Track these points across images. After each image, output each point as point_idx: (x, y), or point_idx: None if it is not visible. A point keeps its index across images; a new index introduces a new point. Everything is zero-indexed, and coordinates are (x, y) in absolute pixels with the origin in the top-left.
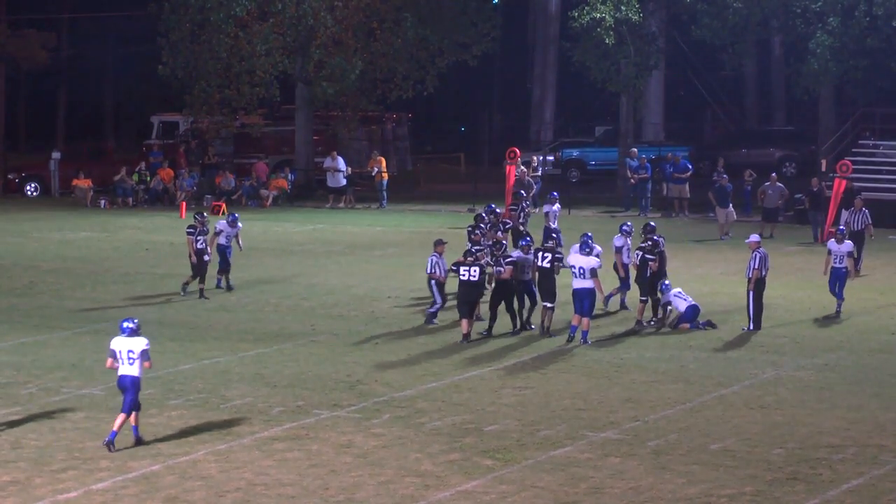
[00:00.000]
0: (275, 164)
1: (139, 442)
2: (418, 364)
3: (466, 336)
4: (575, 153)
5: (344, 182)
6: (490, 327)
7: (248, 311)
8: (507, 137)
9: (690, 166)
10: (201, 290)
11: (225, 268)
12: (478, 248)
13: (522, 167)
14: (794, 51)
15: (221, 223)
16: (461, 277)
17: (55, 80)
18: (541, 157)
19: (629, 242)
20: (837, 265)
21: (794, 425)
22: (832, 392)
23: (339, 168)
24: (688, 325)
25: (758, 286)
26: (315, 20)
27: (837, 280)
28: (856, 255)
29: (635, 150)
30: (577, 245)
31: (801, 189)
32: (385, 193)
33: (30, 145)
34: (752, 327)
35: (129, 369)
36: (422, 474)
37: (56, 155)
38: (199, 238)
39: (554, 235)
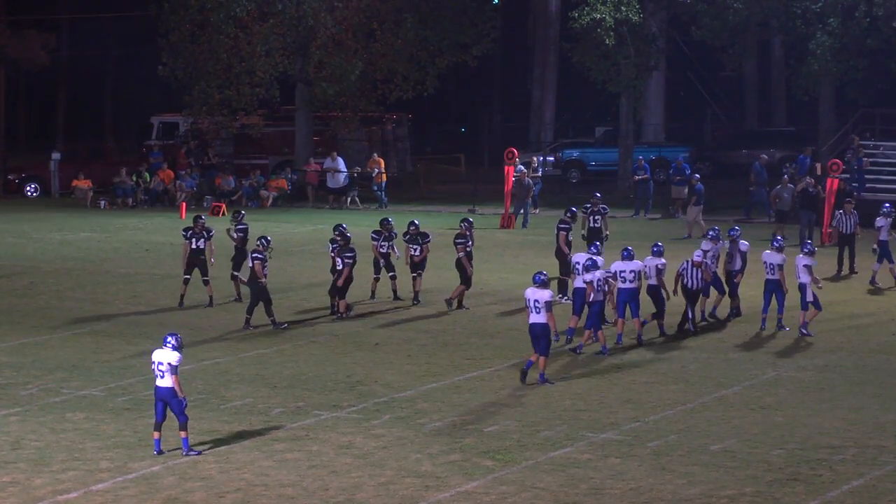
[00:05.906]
0: (275, 165)
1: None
2: (418, 364)
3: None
4: (575, 154)
5: (345, 183)
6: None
7: None
8: (508, 138)
9: (688, 169)
10: (341, 306)
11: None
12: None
13: (522, 167)
14: (794, 51)
15: (705, 245)
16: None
17: (55, 81)
18: (541, 158)
19: (716, 248)
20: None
21: (794, 426)
22: (832, 393)
23: (340, 169)
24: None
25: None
26: (315, 21)
27: (779, 294)
28: (849, 258)
29: (765, 156)
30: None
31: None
32: (384, 195)
33: (30, 145)
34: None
35: (536, 318)
36: (422, 475)
37: (56, 155)
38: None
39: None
